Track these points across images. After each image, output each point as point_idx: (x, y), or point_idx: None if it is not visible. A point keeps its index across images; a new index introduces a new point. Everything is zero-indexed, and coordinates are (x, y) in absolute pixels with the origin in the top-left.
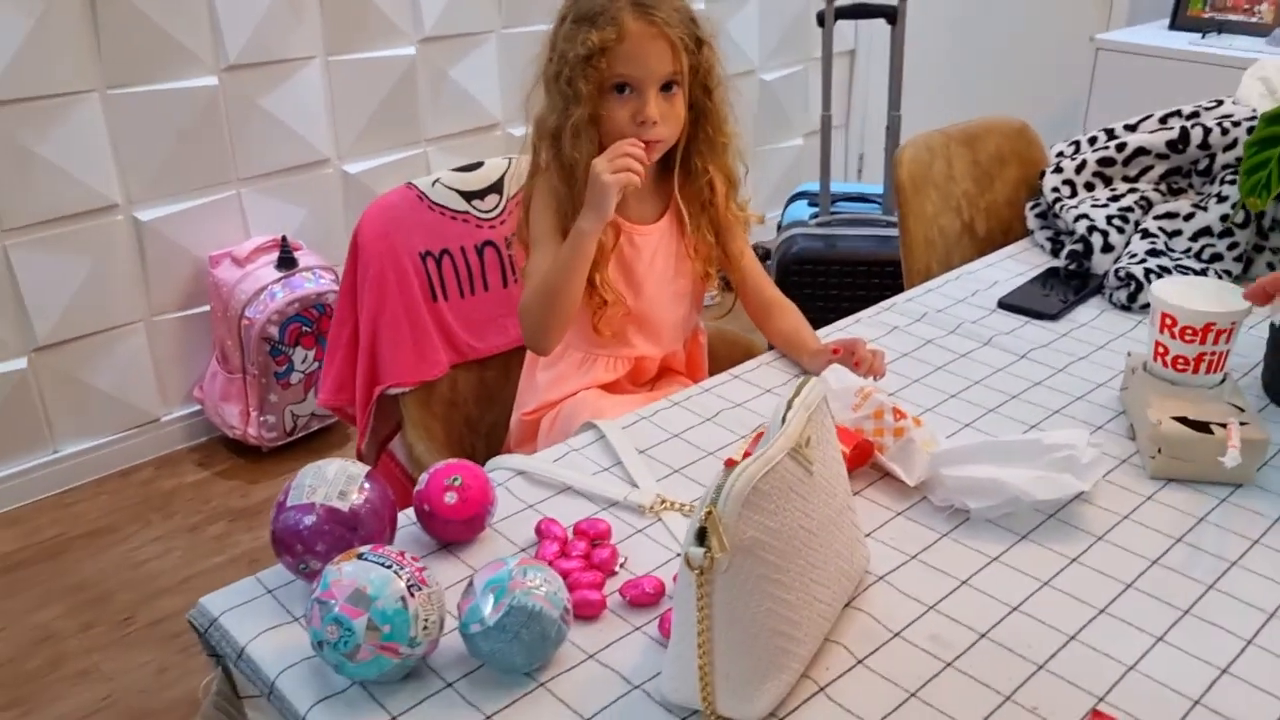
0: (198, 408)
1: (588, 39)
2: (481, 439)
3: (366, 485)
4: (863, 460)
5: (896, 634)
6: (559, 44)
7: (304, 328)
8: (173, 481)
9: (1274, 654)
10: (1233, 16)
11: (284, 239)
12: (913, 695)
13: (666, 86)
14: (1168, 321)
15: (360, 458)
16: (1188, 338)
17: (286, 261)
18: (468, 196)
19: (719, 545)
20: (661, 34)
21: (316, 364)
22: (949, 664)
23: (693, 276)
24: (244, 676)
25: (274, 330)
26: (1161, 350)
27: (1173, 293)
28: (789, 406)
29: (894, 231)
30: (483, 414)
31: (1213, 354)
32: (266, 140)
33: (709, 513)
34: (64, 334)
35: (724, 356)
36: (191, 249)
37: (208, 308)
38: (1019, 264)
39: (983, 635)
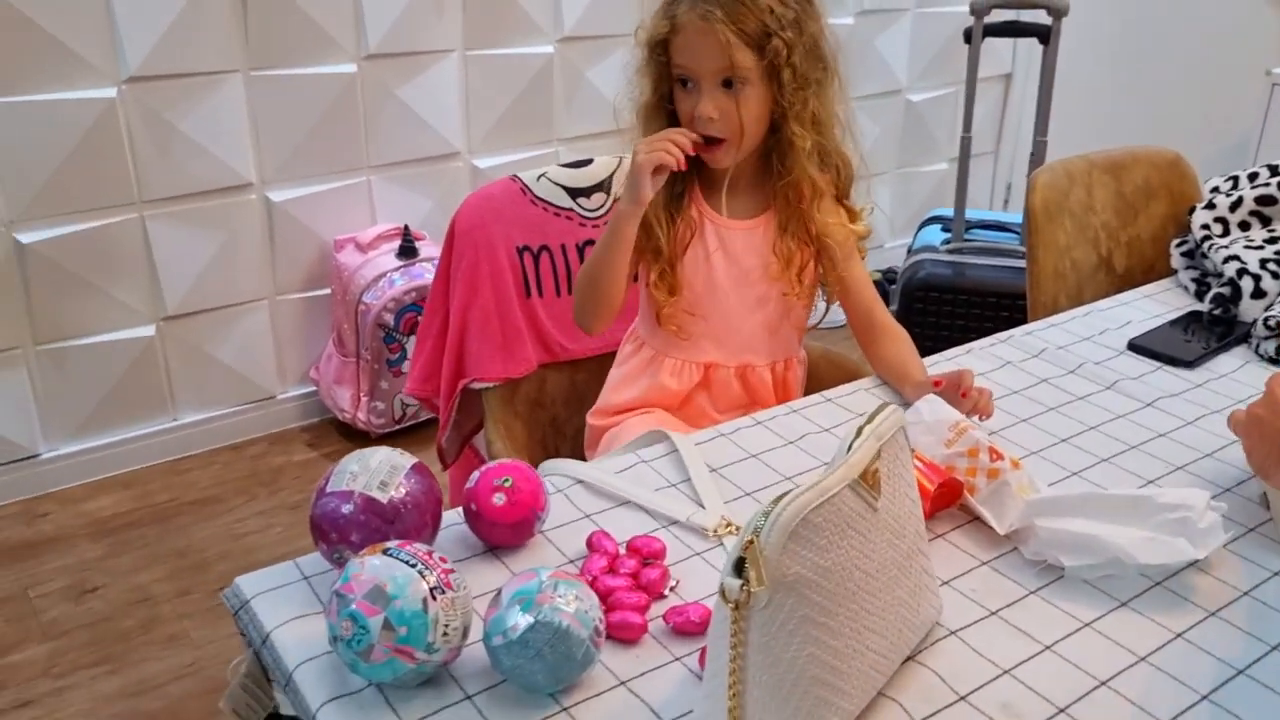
0: (312, 388)
1: (648, 30)
2: (567, 442)
3: (410, 478)
4: (950, 501)
5: (962, 697)
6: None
7: (419, 317)
8: (282, 459)
9: None
10: None
11: (406, 228)
12: None
13: (729, 83)
14: None
15: (440, 451)
16: None
17: (407, 250)
18: (573, 193)
19: (757, 579)
20: (713, 30)
21: (410, 364)
22: None
23: (780, 284)
24: (269, 662)
25: (389, 318)
26: None
27: None
28: (858, 434)
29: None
30: (570, 416)
31: None
32: (400, 130)
33: (750, 542)
34: (192, 306)
35: (827, 380)
36: (319, 231)
37: (329, 290)
38: (1157, 304)
39: (1061, 710)
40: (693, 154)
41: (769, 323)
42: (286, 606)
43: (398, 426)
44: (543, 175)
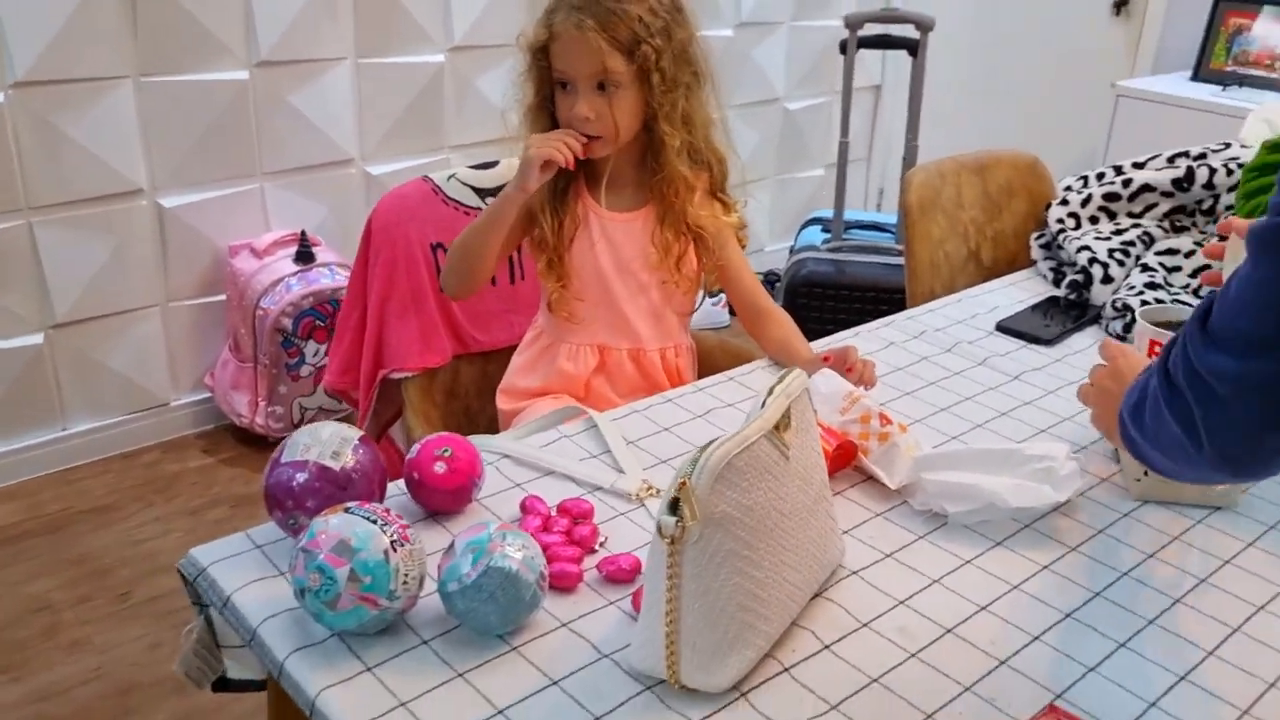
0: (207, 395)
1: (529, 37)
2: (480, 430)
3: (359, 448)
4: (846, 461)
5: (865, 624)
6: None
7: (317, 321)
8: (177, 466)
9: (1234, 665)
10: (1254, 71)
11: (303, 233)
12: (875, 681)
13: (603, 86)
14: (1156, 347)
15: None
16: None
17: (304, 256)
18: (481, 193)
19: (690, 515)
20: (586, 37)
21: (327, 359)
22: (913, 654)
23: (660, 273)
24: (227, 625)
25: (288, 322)
26: None
27: (1160, 319)
28: (770, 393)
29: (903, 260)
30: (483, 406)
31: None
32: (292, 137)
33: (683, 483)
34: (81, 313)
35: (724, 367)
36: (212, 238)
37: (223, 296)
38: (1020, 291)
39: (949, 630)
40: (582, 157)
41: (652, 308)
42: (243, 572)
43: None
44: (452, 176)
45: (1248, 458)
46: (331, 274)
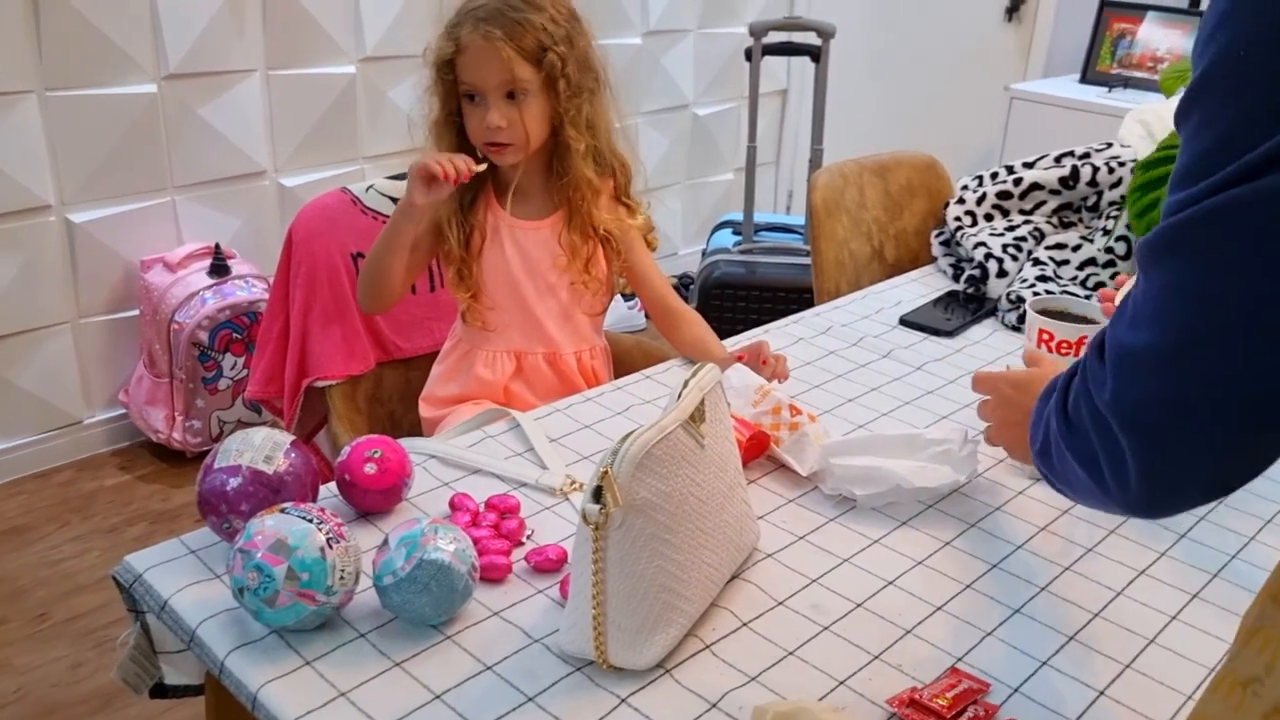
0: (121, 411)
1: (435, 51)
2: (404, 435)
3: (291, 452)
4: (759, 451)
5: (780, 602)
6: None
7: (234, 334)
8: (93, 484)
9: (1117, 625)
10: (1137, 73)
11: (217, 246)
12: (791, 654)
13: (512, 94)
14: (1044, 336)
15: None
16: (1064, 351)
17: (219, 269)
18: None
19: (613, 501)
20: (494, 48)
21: (245, 371)
22: (826, 628)
23: (569, 275)
24: (165, 629)
25: (204, 336)
26: None
27: (1047, 308)
28: (685, 385)
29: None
30: (406, 412)
31: None
32: (204, 149)
33: (605, 472)
34: None
35: (641, 367)
36: (123, 253)
37: (136, 312)
38: (922, 286)
39: (859, 604)
40: (467, 179)
41: (562, 309)
42: (179, 576)
43: (214, 444)
44: (371, 187)
45: (1162, 495)
46: (247, 286)
